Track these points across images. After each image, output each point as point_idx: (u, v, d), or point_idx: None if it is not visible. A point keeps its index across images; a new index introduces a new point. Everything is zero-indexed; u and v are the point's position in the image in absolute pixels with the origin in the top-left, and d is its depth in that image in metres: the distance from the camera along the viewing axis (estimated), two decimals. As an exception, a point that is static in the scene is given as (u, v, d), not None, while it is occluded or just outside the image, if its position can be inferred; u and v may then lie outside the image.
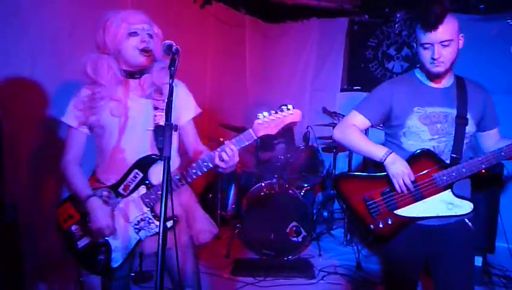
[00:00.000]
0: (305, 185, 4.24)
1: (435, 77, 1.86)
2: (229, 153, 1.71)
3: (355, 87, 5.17)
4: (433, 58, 1.78)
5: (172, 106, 1.86)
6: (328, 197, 4.66)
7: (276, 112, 1.74)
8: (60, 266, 2.96)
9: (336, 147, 4.35)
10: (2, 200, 2.37)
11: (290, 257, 3.64)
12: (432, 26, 1.74)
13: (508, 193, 3.73)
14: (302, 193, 4.06)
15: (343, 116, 4.07)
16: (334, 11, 5.10)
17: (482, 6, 4.23)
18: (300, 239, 3.62)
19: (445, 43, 1.76)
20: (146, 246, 1.83)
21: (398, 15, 4.83)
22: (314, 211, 4.48)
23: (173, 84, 1.51)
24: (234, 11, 5.14)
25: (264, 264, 3.52)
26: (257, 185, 3.79)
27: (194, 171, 1.76)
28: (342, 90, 5.23)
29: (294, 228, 3.61)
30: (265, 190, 3.69)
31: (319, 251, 3.80)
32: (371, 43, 5.08)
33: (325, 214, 4.60)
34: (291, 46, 5.47)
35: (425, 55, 1.81)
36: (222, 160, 1.72)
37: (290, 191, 3.71)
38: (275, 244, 3.60)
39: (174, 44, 1.66)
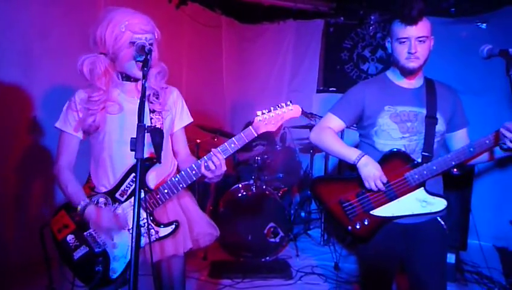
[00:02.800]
0: (283, 186, 4.25)
1: (409, 72, 1.89)
2: (216, 163, 1.69)
3: (331, 89, 5.20)
4: (409, 53, 1.82)
5: (170, 112, 1.87)
6: (305, 198, 4.69)
7: (276, 108, 1.73)
8: (31, 272, 2.89)
9: (312, 148, 4.38)
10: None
11: (267, 258, 3.64)
12: (414, 20, 1.78)
13: (479, 191, 3.84)
14: (279, 194, 4.06)
15: (320, 117, 4.12)
16: (310, 13, 5.14)
17: (453, 9, 4.34)
18: (277, 240, 3.63)
19: (422, 39, 1.81)
20: (146, 254, 1.74)
21: (372, 17, 4.91)
22: (292, 211, 4.49)
23: (145, 84, 1.48)
24: (210, 11, 5.12)
25: (241, 266, 3.50)
26: (234, 186, 3.77)
27: (193, 172, 1.73)
28: (318, 91, 5.26)
29: (271, 229, 3.61)
30: (242, 191, 3.68)
31: (296, 252, 3.81)
32: (346, 45, 5.14)
33: (303, 214, 4.62)
34: (268, 47, 5.48)
35: (402, 50, 1.84)
36: (208, 169, 1.70)
37: (267, 192, 3.71)
38: (253, 245, 3.60)
39: (147, 44, 1.64)
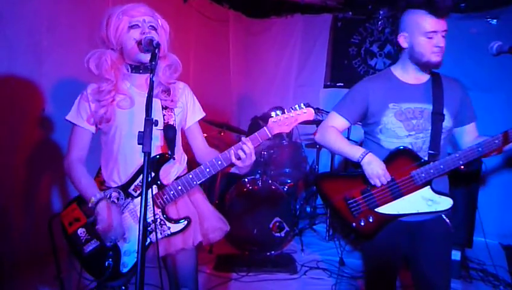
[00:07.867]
0: (288, 181, 4.25)
1: (433, 67, 1.86)
2: (247, 151, 1.71)
3: (338, 84, 5.19)
4: (438, 47, 1.78)
5: (182, 108, 1.87)
6: (310, 193, 4.69)
7: (290, 111, 1.75)
8: (39, 262, 2.92)
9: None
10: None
11: (272, 252, 3.66)
12: (447, 12, 1.75)
13: (486, 188, 3.83)
14: (285, 189, 4.07)
15: (327, 112, 4.11)
16: (318, 7, 5.11)
17: (463, 4, 4.30)
18: (283, 234, 3.63)
19: (444, 34, 1.79)
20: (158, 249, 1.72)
21: (381, 12, 4.88)
22: (297, 206, 4.50)
23: (153, 79, 1.49)
24: (218, 5, 5.11)
25: (247, 260, 3.52)
26: (241, 181, 3.78)
27: (207, 170, 1.74)
28: (325, 86, 5.25)
29: (277, 224, 3.62)
30: (248, 185, 3.69)
31: (301, 246, 3.82)
32: (354, 40, 5.11)
33: (308, 209, 4.62)
34: (275, 41, 5.47)
35: (428, 44, 1.79)
36: (239, 158, 1.72)
37: (273, 187, 3.71)
38: (258, 239, 3.61)
39: (155, 38, 1.65)
